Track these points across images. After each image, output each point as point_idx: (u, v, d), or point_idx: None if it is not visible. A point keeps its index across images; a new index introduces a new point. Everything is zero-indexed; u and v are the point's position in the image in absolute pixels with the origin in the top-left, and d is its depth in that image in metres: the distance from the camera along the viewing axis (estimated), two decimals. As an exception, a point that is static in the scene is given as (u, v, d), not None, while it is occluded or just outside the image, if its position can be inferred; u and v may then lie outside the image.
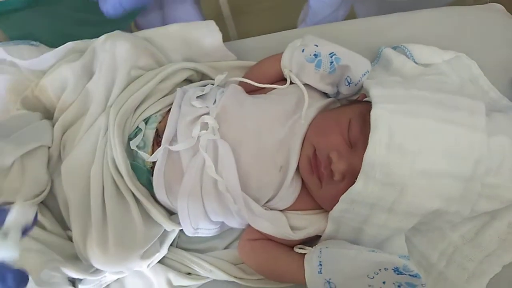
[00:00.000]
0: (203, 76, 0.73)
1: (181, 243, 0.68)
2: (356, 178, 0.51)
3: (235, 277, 0.63)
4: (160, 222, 0.61)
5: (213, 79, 0.70)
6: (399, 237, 0.59)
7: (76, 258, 0.61)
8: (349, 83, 0.63)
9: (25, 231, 0.37)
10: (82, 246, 0.59)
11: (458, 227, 0.62)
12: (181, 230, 0.65)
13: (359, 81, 0.62)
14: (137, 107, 0.64)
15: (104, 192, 0.59)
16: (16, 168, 0.60)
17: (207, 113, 0.59)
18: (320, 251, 0.55)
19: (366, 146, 0.49)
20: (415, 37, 0.74)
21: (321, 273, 0.53)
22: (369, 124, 0.50)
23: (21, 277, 0.35)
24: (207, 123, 0.58)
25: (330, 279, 0.53)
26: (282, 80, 0.66)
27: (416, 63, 0.71)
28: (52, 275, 0.60)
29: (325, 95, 0.67)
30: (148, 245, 0.61)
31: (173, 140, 0.59)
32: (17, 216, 0.34)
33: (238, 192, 0.55)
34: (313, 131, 0.58)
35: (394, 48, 0.73)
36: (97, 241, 0.57)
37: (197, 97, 0.62)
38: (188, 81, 0.72)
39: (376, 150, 0.49)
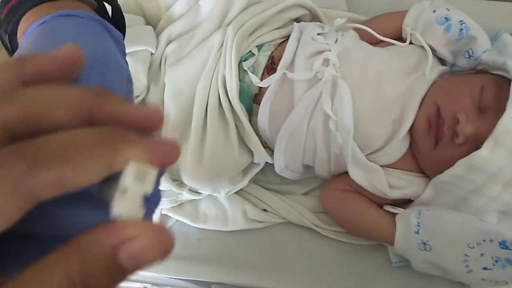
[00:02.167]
0: (312, 20, 0.70)
1: (259, 181, 0.66)
2: (477, 145, 0.50)
3: (312, 223, 0.62)
4: (255, 149, 0.59)
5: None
6: (491, 217, 0.58)
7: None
8: (469, 56, 0.60)
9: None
10: None
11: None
12: (261, 170, 0.64)
13: (479, 56, 0.60)
14: (251, 33, 0.62)
15: (207, 107, 0.58)
16: None
17: (329, 50, 0.57)
18: (420, 213, 0.53)
19: (498, 114, 0.48)
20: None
21: (418, 234, 0.52)
22: (506, 93, 0.49)
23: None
24: (328, 59, 0.56)
25: (427, 240, 0.51)
26: (397, 40, 0.64)
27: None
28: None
29: (441, 63, 0.64)
30: (238, 171, 0.59)
31: (288, 70, 0.57)
32: (133, 181, 0.20)
33: (349, 132, 0.54)
34: (439, 90, 0.56)
35: (513, 35, 0.70)
36: (193, 153, 0.56)
37: (318, 34, 0.60)
38: (298, 21, 0.70)
39: None
